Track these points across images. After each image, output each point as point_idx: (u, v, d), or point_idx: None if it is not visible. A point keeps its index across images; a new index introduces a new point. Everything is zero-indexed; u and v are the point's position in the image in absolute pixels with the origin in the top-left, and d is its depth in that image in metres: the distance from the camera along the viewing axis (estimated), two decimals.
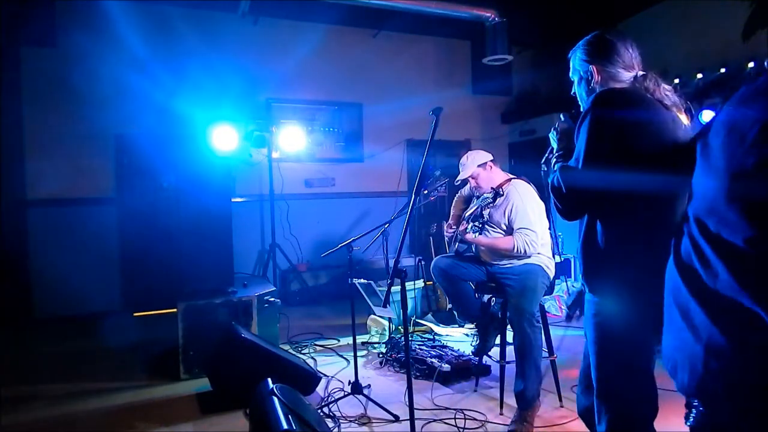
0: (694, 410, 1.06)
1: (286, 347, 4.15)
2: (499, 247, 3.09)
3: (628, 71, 1.71)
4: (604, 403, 1.65)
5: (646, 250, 1.55)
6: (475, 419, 2.91)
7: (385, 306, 2.09)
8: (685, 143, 1.53)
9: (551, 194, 1.64)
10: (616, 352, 1.61)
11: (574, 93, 1.86)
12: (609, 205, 1.56)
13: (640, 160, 1.52)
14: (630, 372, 1.61)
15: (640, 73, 1.71)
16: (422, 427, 2.82)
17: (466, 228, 3.29)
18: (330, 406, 3.08)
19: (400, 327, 4.41)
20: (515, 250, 2.99)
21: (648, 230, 1.55)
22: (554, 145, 1.88)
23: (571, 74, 1.85)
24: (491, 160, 3.26)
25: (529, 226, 2.98)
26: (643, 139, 1.54)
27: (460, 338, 4.53)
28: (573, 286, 5.46)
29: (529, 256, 3.01)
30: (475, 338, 3.71)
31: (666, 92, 1.65)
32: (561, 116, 1.89)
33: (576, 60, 1.80)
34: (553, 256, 3.16)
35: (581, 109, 1.82)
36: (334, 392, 3.30)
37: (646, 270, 1.53)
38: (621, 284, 1.57)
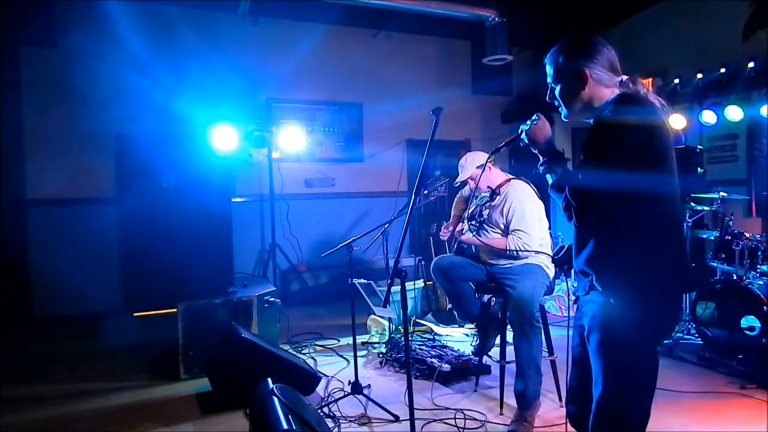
0: None
1: (286, 347, 4.15)
2: (492, 248, 3.09)
3: (614, 75, 1.69)
4: (609, 408, 1.60)
5: (670, 248, 1.60)
6: (475, 419, 2.91)
7: (385, 306, 2.08)
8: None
9: (570, 199, 1.56)
10: (631, 354, 1.57)
11: (551, 98, 1.78)
12: (636, 205, 1.53)
13: (665, 160, 1.57)
14: (642, 376, 1.60)
15: (626, 77, 1.69)
16: (422, 427, 2.82)
17: (463, 229, 3.29)
18: (330, 406, 3.08)
19: (400, 327, 4.40)
20: (507, 251, 3.00)
21: (669, 228, 1.60)
22: (534, 150, 1.77)
23: (551, 79, 1.75)
24: (491, 161, 3.25)
25: (524, 228, 2.98)
26: (666, 141, 1.58)
27: (460, 338, 4.53)
28: (573, 285, 5.46)
29: (527, 257, 3.01)
30: (475, 338, 3.71)
31: (655, 96, 1.67)
32: (536, 116, 1.76)
33: (561, 62, 1.70)
34: None
35: (562, 114, 1.78)
36: (334, 392, 3.30)
37: (670, 267, 1.58)
38: (644, 283, 1.55)
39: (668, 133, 1.61)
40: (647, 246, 1.56)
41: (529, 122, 1.77)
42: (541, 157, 1.74)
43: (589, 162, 1.57)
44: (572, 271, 1.79)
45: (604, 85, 1.68)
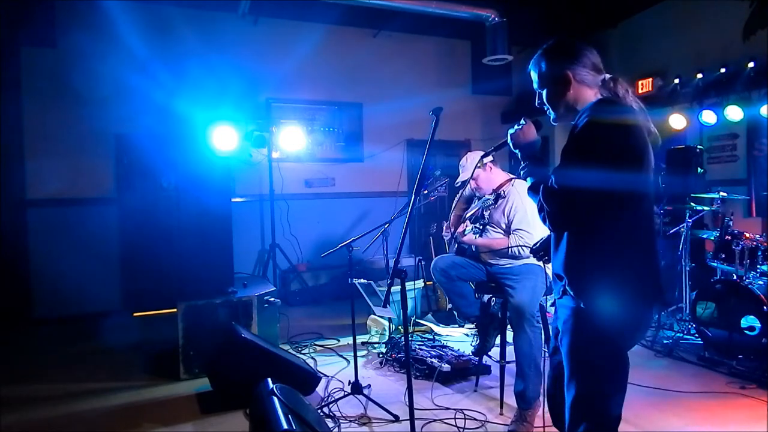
0: None
1: (286, 347, 4.15)
2: (494, 248, 3.09)
3: (597, 74, 1.70)
4: (580, 410, 1.62)
5: (643, 252, 1.59)
6: (475, 419, 2.91)
7: (385, 306, 2.08)
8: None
9: (543, 201, 1.59)
10: (601, 359, 1.59)
11: (539, 104, 1.80)
12: (609, 208, 1.53)
13: (640, 164, 1.56)
14: (610, 380, 1.61)
15: (608, 76, 1.70)
16: (422, 427, 2.82)
17: (465, 230, 3.29)
18: (330, 406, 3.08)
19: (400, 327, 4.41)
20: (509, 251, 3.00)
21: (642, 231, 1.60)
22: (517, 153, 1.80)
23: (536, 85, 1.78)
24: (491, 161, 3.25)
25: (525, 228, 2.98)
26: (640, 145, 1.57)
27: (460, 338, 4.53)
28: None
29: (527, 257, 3.01)
30: (475, 338, 3.71)
31: (634, 97, 1.66)
32: (523, 120, 1.79)
33: (544, 67, 1.74)
34: None
35: (551, 118, 1.81)
36: (334, 392, 3.30)
37: (643, 271, 1.59)
38: (613, 290, 1.55)
39: (643, 135, 1.60)
40: (618, 253, 1.56)
41: (516, 126, 1.80)
42: (522, 162, 1.79)
43: (561, 166, 1.59)
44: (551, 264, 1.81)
45: (587, 86, 1.70)
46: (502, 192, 3.09)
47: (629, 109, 1.60)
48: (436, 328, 4.66)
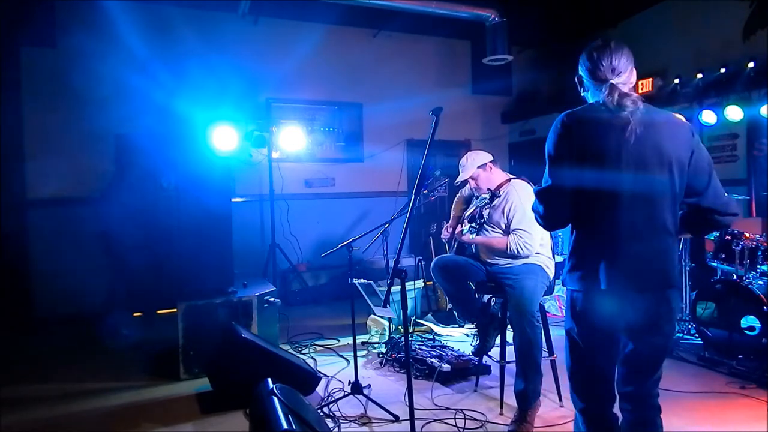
0: None
1: (286, 347, 4.15)
2: (493, 247, 3.09)
3: (599, 83, 1.80)
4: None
5: (585, 243, 1.76)
6: (475, 419, 2.91)
7: (385, 306, 2.09)
8: (638, 146, 1.69)
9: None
10: (568, 344, 1.86)
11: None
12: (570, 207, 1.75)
13: (587, 163, 1.69)
14: (570, 367, 1.87)
15: (614, 82, 1.78)
16: (422, 427, 2.82)
17: (463, 230, 3.29)
18: (330, 406, 3.08)
19: (400, 327, 4.41)
20: (509, 250, 3.00)
21: (589, 223, 1.75)
22: None
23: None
24: (491, 161, 3.25)
25: (525, 228, 2.98)
26: (588, 147, 1.71)
27: (460, 338, 4.53)
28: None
29: (526, 257, 3.01)
30: (475, 338, 3.71)
31: (625, 101, 1.72)
32: None
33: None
34: (553, 256, 3.16)
35: None
36: (334, 392, 3.30)
37: (583, 263, 1.75)
38: (566, 277, 1.82)
39: (598, 141, 1.70)
40: (572, 242, 1.79)
41: None
42: None
43: None
44: None
45: (592, 92, 1.83)
46: (499, 191, 3.09)
47: (588, 119, 1.73)
48: (436, 328, 4.66)
